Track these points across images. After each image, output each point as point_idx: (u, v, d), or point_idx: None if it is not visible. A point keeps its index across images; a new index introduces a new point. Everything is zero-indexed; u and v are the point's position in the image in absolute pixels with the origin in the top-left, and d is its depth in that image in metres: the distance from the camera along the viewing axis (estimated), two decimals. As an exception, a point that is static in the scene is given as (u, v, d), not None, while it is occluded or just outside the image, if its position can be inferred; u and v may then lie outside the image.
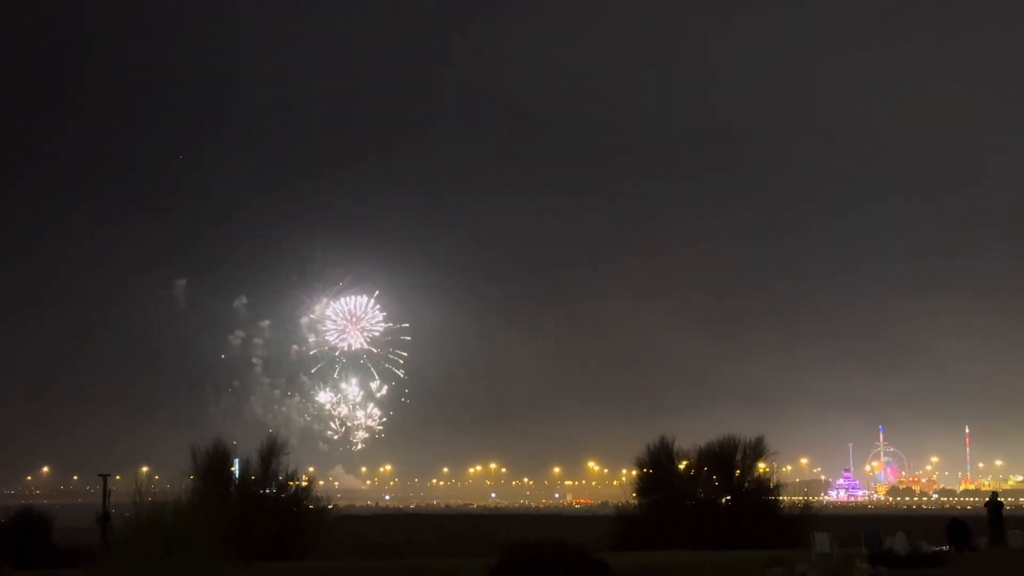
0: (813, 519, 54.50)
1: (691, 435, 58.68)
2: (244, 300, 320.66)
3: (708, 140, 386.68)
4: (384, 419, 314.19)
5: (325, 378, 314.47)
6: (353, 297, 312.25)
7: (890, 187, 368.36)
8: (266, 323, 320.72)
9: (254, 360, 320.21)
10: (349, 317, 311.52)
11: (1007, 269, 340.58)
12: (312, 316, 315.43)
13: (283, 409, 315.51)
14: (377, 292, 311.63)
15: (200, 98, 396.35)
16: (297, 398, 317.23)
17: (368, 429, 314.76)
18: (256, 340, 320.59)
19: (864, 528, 45.89)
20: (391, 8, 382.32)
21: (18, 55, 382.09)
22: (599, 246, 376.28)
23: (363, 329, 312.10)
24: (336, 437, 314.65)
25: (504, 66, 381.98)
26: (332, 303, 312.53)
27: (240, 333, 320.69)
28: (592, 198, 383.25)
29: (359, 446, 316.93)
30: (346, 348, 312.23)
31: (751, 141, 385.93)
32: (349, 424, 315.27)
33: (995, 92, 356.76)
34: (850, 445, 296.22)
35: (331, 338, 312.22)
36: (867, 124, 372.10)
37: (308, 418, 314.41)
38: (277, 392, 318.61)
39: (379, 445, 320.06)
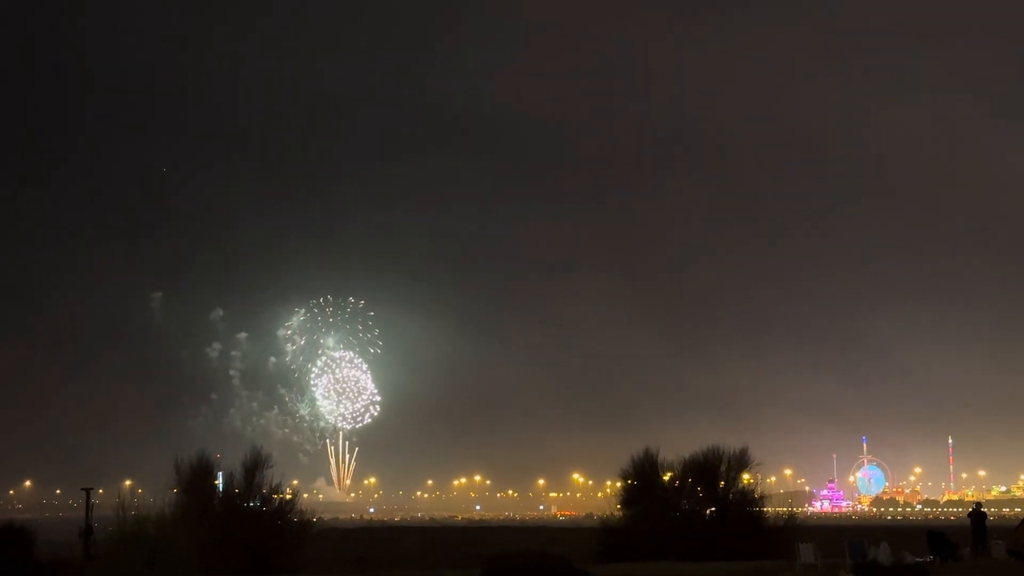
0: (797, 530, 54.50)
1: (675, 447, 58.69)
2: (220, 313, 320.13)
3: (681, 151, 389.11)
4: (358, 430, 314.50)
5: (303, 389, 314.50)
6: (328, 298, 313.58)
7: (866, 197, 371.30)
8: (243, 335, 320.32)
9: (231, 372, 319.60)
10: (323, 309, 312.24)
11: (982, 278, 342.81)
12: (288, 326, 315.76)
13: (261, 422, 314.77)
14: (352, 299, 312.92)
15: (173, 112, 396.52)
16: (276, 410, 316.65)
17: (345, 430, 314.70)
18: (233, 352, 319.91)
19: (848, 539, 45.97)
20: (368, 28, 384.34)
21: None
22: (578, 259, 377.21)
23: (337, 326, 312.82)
24: (314, 451, 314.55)
25: (477, 79, 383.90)
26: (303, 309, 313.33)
27: (217, 345, 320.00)
28: (570, 210, 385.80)
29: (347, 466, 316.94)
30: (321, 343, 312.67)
31: (725, 152, 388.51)
32: (326, 437, 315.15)
33: (968, 102, 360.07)
34: (834, 456, 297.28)
35: (295, 346, 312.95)
36: (841, 134, 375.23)
37: (287, 430, 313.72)
38: (255, 405, 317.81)
39: (363, 457, 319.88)
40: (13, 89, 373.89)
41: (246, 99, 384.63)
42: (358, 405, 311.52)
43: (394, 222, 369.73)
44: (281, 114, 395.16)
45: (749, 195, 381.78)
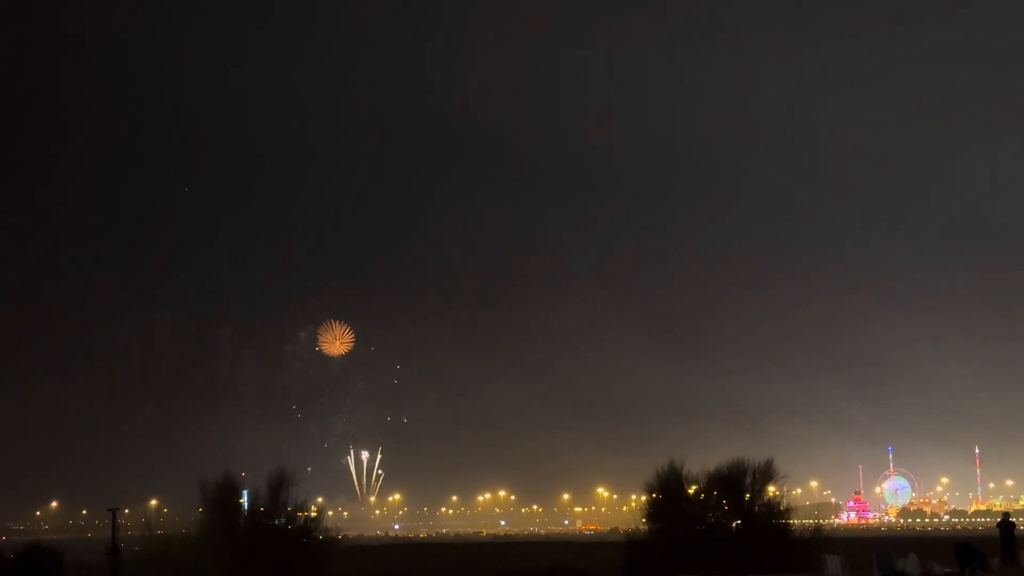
0: (824, 542, 54.22)
1: (699, 461, 58.48)
2: (228, 330, 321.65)
3: (687, 165, 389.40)
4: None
5: (320, 407, 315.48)
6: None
7: (878, 213, 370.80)
8: (252, 352, 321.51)
9: (241, 389, 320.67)
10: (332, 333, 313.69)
11: (1004, 288, 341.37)
12: (295, 343, 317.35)
13: (273, 438, 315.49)
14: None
15: (186, 136, 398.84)
16: (287, 427, 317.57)
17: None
18: (243, 370, 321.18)
19: (875, 550, 45.72)
20: (366, 51, 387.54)
21: (12, 85, 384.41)
22: (594, 279, 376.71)
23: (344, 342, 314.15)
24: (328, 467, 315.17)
25: (468, 92, 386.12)
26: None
27: (226, 363, 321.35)
28: (583, 228, 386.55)
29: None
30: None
31: (734, 168, 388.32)
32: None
33: (975, 114, 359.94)
34: (860, 467, 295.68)
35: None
36: (852, 148, 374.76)
37: (299, 447, 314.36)
38: (265, 421, 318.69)
39: (388, 475, 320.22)
40: (33, 112, 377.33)
41: (256, 123, 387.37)
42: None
43: (404, 237, 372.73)
44: (287, 138, 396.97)
45: (767, 211, 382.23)
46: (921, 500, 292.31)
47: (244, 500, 52.58)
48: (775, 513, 55.89)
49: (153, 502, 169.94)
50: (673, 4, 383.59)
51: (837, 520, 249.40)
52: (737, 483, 56.02)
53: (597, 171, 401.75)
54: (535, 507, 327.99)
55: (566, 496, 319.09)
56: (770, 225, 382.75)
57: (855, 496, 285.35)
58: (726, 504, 56.51)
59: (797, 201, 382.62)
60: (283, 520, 51.93)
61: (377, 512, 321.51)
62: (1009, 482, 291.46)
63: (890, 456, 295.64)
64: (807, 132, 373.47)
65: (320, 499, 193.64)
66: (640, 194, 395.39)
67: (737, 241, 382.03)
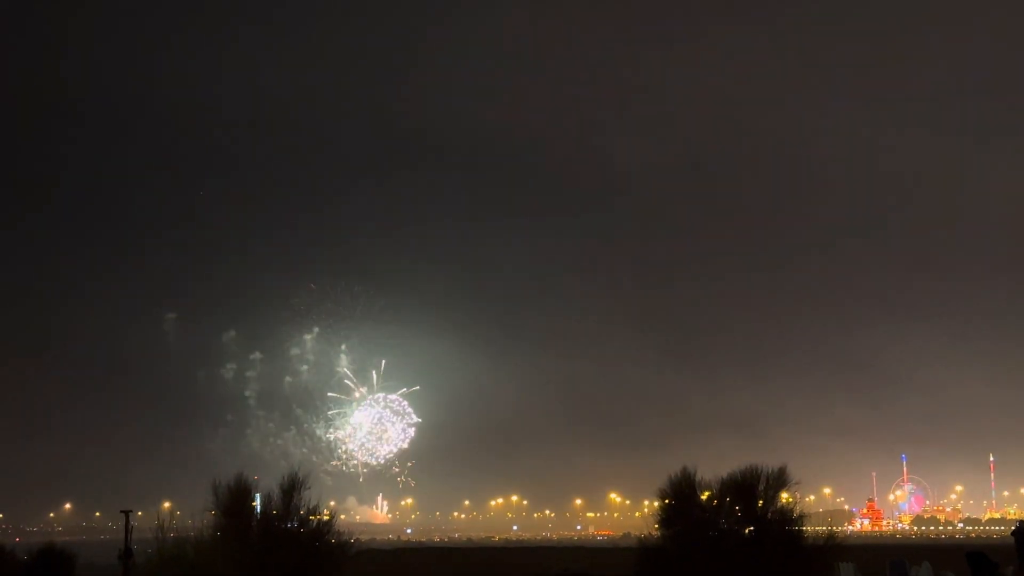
0: (837, 549, 54.09)
1: (711, 468, 58.39)
2: (232, 334, 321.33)
3: (692, 178, 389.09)
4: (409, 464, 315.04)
5: (327, 410, 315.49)
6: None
7: (888, 217, 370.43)
8: (257, 356, 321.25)
9: (247, 393, 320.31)
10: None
11: (1013, 294, 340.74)
12: (301, 346, 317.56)
13: (279, 442, 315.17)
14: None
15: (183, 136, 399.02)
16: (293, 431, 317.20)
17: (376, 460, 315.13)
18: (248, 373, 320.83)
19: (889, 558, 45.62)
20: (371, 56, 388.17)
21: (18, 87, 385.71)
22: (599, 288, 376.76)
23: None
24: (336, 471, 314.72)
25: (469, 98, 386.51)
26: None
27: (232, 366, 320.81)
28: (589, 241, 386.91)
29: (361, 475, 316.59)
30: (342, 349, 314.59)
31: (736, 174, 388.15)
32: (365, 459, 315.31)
33: (972, 122, 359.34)
34: (873, 474, 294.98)
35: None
36: (852, 156, 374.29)
37: (306, 450, 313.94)
38: (272, 425, 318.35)
39: (399, 482, 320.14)
40: (31, 111, 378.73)
41: (257, 122, 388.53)
42: (388, 447, 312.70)
43: (410, 242, 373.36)
44: (290, 137, 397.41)
45: (765, 215, 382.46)
46: (935, 508, 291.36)
47: (256, 503, 52.63)
48: (788, 520, 55.72)
49: (166, 504, 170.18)
50: (662, 11, 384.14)
51: (850, 527, 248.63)
52: (750, 490, 55.83)
53: (601, 178, 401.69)
54: (547, 512, 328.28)
55: (578, 501, 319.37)
56: (773, 230, 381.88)
57: (868, 503, 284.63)
58: (739, 511, 56.36)
59: (800, 207, 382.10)
60: (296, 523, 51.96)
61: (390, 516, 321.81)
62: (1023, 490, 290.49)
63: (904, 463, 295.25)
64: (810, 138, 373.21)
65: (332, 502, 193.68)
66: (663, 202, 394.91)
67: (740, 247, 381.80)
